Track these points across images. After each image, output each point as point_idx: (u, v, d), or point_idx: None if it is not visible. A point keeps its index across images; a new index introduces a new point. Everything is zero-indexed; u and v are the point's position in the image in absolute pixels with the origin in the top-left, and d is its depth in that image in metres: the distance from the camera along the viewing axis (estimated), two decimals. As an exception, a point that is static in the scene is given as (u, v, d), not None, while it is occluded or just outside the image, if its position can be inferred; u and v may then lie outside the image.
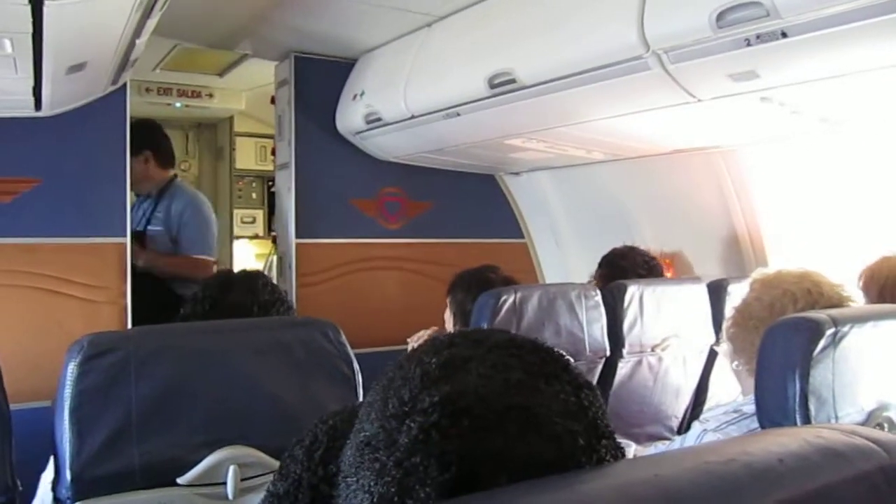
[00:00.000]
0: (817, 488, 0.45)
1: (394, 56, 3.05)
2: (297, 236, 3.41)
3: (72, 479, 1.20)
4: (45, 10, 1.45)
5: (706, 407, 2.62)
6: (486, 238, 3.86)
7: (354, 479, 0.54)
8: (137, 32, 1.93)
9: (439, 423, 0.51)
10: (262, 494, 1.30)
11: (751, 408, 1.59)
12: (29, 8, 1.45)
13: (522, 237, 4.02)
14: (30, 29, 1.58)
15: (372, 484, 0.52)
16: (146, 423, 1.24)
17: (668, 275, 3.03)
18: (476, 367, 0.54)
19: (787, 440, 0.49)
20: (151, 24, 1.90)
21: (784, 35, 1.64)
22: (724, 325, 1.71)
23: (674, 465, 0.45)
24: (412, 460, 0.50)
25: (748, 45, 1.71)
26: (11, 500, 1.19)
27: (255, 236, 5.43)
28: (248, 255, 5.41)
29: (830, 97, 2.03)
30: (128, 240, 2.89)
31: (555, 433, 0.51)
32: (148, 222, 3.28)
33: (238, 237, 5.34)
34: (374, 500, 0.51)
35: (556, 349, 0.60)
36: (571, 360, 0.61)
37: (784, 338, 1.30)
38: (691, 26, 1.78)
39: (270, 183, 5.28)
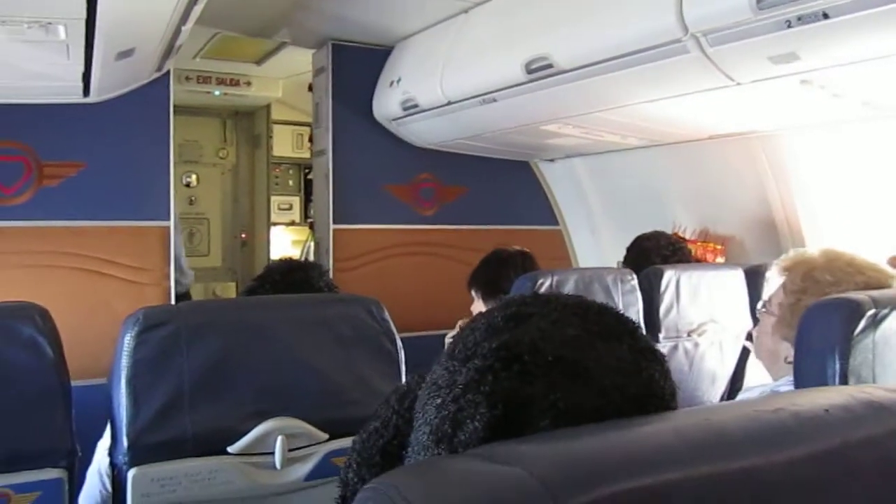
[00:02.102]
0: (862, 438, 0.47)
1: (430, 42, 3.07)
2: (334, 222, 3.46)
3: (128, 446, 1.25)
4: (100, -5, 1.50)
5: (742, 391, 2.61)
6: (520, 224, 3.88)
7: (421, 413, 0.60)
8: (184, 19, 1.98)
9: (493, 367, 0.56)
10: (308, 464, 1.36)
11: (788, 388, 1.59)
12: (84, -6, 1.50)
13: (557, 224, 4.03)
14: (84, 15, 1.63)
15: (432, 417, 0.58)
16: (198, 394, 1.29)
17: (721, 260, 3.01)
18: (537, 322, 0.59)
19: (834, 395, 0.51)
20: (198, 10, 1.94)
21: (825, 16, 1.62)
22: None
23: (724, 412, 0.47)
24: (466, 397, 0.56)
25: (789, 26, 1.70)
26: (72, 464, 1.25)
27: (292, 223, 5.50)
28: (284, 242, 5.49)
29: (873, 80, 2.00)
30: (171, 223, 2.96)
31: (601, 386, 0.55)
32: None
33: (275, 224, 5.42)
34: (431, 430, 0.57)
35: (626, 315, 0.63)
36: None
37: (823, 318, 1.30)
38: (731, 8, 1.77)
39: (307, 170, 5.35)
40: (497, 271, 2.46)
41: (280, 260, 1.91)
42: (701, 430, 0.44)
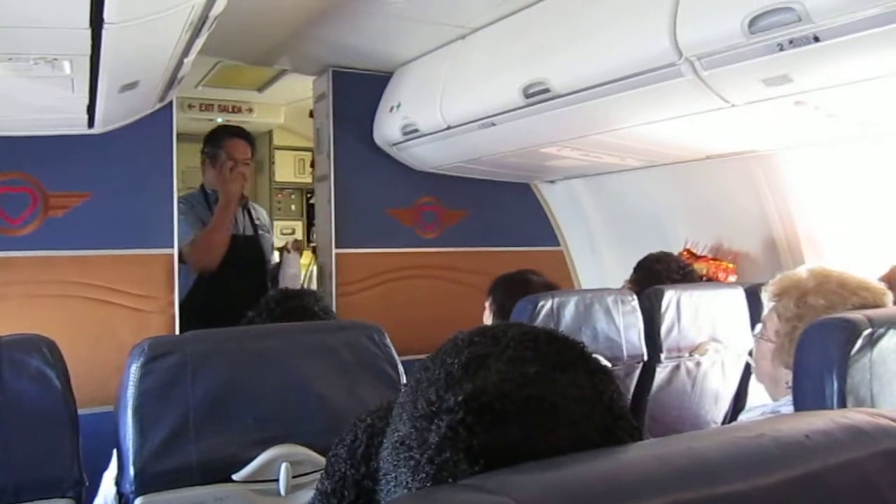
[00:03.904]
0: (842, 462, 0.49)
1: (429, 68, 3.11)
2: (337, 246, 3.48)
3: (135, 475, 1.27)
4: (104, 32, 1.53)
5: (744, 412, 2.61)
6: (522, 246, 3.89)
7: (392, 475, 0.59)
8: (186, 51, 2.02)
9: (465, 420, 0.55)
10: (312, 491, 1.37)
11: (788, 409, 1.60)
12: (89, 31, 1.54)
13: (558, 245, 4.05)
14: (88, 51, 1.66)
15: (409, 480, 0.57)
16: (203, 422, 1.30)
17: (733, 279, 3.02)
18: (494, 364, 0.58)
19: (815, 420, 0.53)
20: (199, 42, 1.98)
21: (816, 39, 1.65)
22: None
23: (707, 439, 0.49)
24: (443, 456, 0.54)
25: (781, 49, 1.73)
26: (79, 494, 1.27)
27: (295, 247, 5.52)
28: (287, 266, 5.50)
29: (866, 100, 2.03)
30: (175, 251, 2.98)
31: (572, 420, 0.55)
32: (255, 229, 3.51)
33: (278, 248, 5.44)
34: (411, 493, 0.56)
35: (571, 337, 0.64)
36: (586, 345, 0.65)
37: (820, 339, 1.32)
38: (724, 33, 1.80)
39: (309, 195, 5.39)
40: (513, 298, 2.43)
41: (275, 290, 1.94)
42: (684, 456, 0.46)
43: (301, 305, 1.80)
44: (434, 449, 0.55)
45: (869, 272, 1.67)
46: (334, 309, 3.41)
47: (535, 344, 0.60)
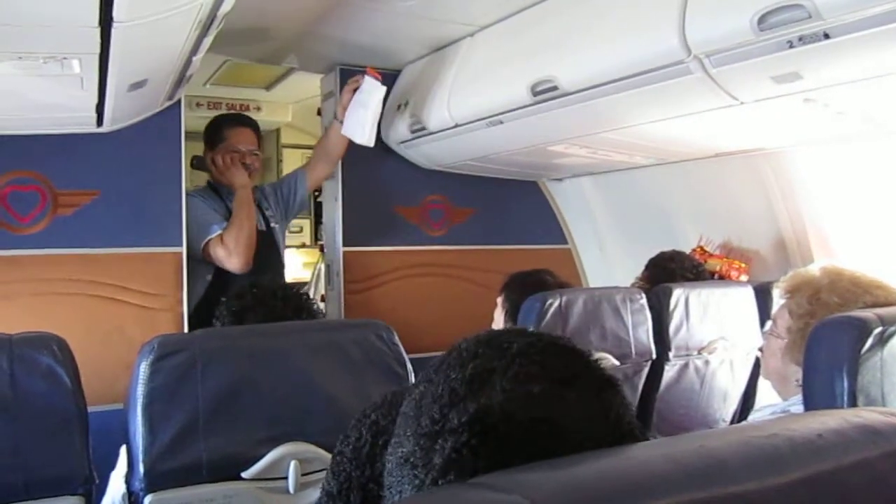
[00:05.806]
0: (855, 462, 0.49)
1: (437, 66, 3.11)
2: (345, 245, 3.48)
3: (144, 473, 1.27)
4: (114, 31, 1.54)
5: (754, 411, 2.60)
6: (530, 244, 3.89)
7: (397, 489, 0.59)
8: (195, 49, 2.02)
9: (469, 443, 0.54)
10: (321, 489, 1.37)
11: (798, 408, 1.59)
12: (98, 30, 1.54)
13: (566, 243, 4.04)
14: (97, 50, 1.67)
15: None
16: (212, 420, 1.31)
17: (744, 278, 3.00)
18: (499, 381, 0.57)
19: (828, 419, 0.53)
20: (208, 41, 1.99)
21: (827, 36, 1.64)
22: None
23: (719, 438, 0.49)
24: (447, 478, 0.54)
25: (790, 47, 1.72)
26: (89, 492, 1.27)
27: (303, 245, 5.53)
28: (295, 264, 5.51)
29: (876, 98, 2.02)
30: (183, 249, 2.98)
31: (577, 441, 0.54)
32: (267, 223, 3.25)
33: (286, 246, 5.44)
34: None
35: (577, 346, 0.63)
36: (593, 354, 0.64)
37: (831, 337, 1.31)
38: (733, 30, 1.79)
39: (317, 193, 5.38)
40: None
41: (231, 299, 1.78)
42: (695, 456, 0.46)
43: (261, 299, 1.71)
44: (438, 471, 0.55)
45: (879, 272, 1.66)
46: (342, 307, 3.42)
47: (541, 357, 0.59)
